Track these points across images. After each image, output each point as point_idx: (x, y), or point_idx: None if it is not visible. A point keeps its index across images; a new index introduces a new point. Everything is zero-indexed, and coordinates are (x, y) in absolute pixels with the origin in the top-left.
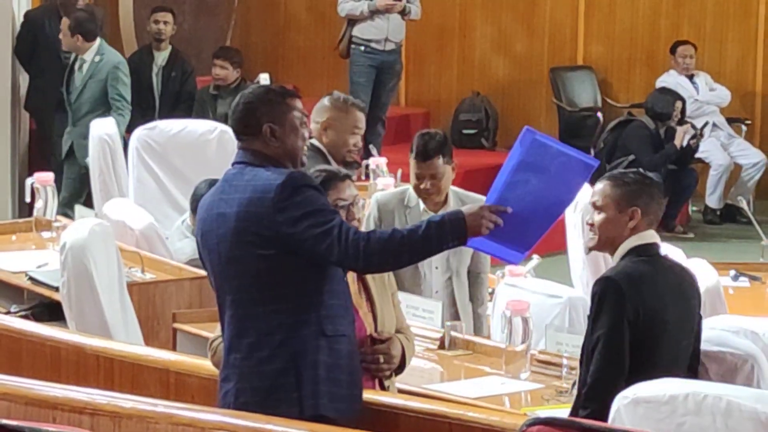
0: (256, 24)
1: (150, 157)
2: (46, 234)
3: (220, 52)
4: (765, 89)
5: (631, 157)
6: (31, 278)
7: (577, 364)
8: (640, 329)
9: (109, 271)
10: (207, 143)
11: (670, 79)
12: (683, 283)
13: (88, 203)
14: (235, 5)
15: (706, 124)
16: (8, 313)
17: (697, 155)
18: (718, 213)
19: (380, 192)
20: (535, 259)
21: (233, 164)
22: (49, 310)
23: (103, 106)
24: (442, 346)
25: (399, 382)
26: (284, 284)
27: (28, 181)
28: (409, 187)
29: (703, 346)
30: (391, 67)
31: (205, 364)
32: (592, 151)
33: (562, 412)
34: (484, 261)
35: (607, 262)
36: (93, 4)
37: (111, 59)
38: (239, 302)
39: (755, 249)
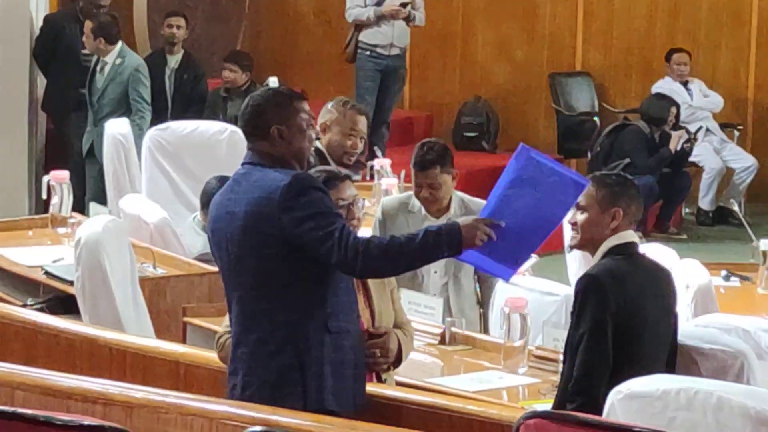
0: (266, 29)
1: (162, 156)
2: (61, 230)
3: (231, 56)
4: (757, 96)
5: (627, 161)
6: (46, 272)
7: None
8: (622, 325)
9: (122, 266)
10: (217, 143)
11: (665, 86)
12: (660, 281)
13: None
14: (245, 11)
15: (699, 129)
16: (25, 306)
17: (691, 159)
18: (711, 215)
19: (387, 197)
20: (533, 258)
21: (242, 164)
22: (64, 304)
23: (124, 106)
24: (442, 342)
25: (402, 376)
26: (289, 282)
27: (45, 178)
28: (413, 193)
29: (695, 343)
30: (395, 71)
31: (213, 357)
32: (589, 154)
33: None
34: None
35: None
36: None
37: (132, 62)
38: (246, 299)
39: (746, 250)
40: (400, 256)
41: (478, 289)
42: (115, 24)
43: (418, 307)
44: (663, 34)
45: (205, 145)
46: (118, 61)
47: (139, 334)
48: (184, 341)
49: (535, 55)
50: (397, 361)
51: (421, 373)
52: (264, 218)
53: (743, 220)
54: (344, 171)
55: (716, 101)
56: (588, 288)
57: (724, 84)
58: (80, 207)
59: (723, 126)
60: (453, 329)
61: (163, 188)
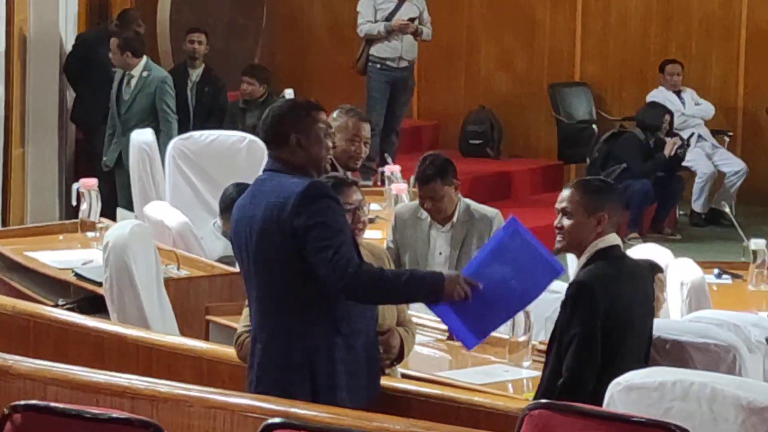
0: (282, 44)
1: (185, 164)
2: (90, 234)
3: (248, 70)
4: (746, 104)
5: (624, 166)
6: (76, 274)
7: None
8: (609, 327)
9: (148, 268)
10: (237, 152)
11: (659, 95)
12: (641, 283)
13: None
14: (262, 27)
15: (692, 135)
16: (56, 306)
17: (684, 164)
18: (703, 217)
19: (401, 204)
20: None
21: (263, 171)
22: (93, 304)
23: (150, 117)
24: (450, 337)
25: (412, 370)
26: (300, 283)
27: (74, 186)
28: None
29: (690, 337)
30: (404, 82)
31: (234, 353)
32: (588, 160)
33: None
34: None
35: None
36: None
37: (158, 74)
38: (262, 298)
39: (737, 249)
40: (384, 290)
41: None
42: (139, 39)
43: None
44: (656, 46)
45: (225, 153)
46: (145, 73)
47: (164, 332)
48: (206, 338)
49: (535, 67)
50: (399, 357)
51: (431, 367)
52: (279, 222)
53: (734, 221)
54: (351, 177)
55: (707, 109)
56: (579, 294)
57: (715, 93)
58: (108, 213)
59: (714, 132)
60: None
61: (185, 194)
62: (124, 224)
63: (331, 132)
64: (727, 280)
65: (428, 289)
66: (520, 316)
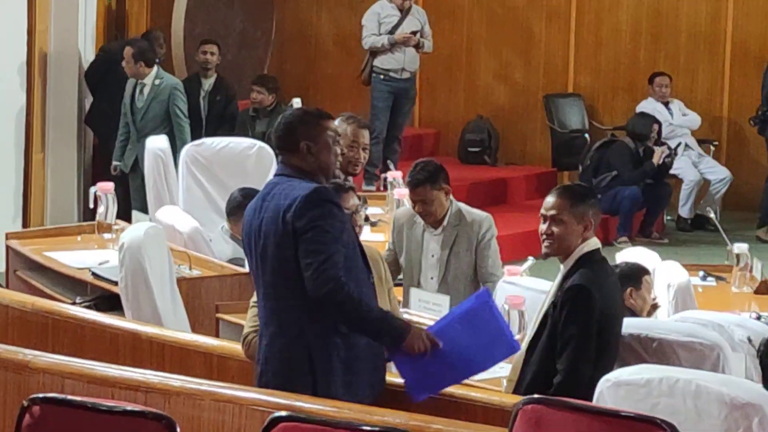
0: (290, 55)
1: (197, 169)
2: (106, 235)
3: (258, 79)
4: (730, 115)
5: (614, 173)
6: (93, 274)
7: None
8: (601, 327)
9: (161, 268)
10: (247, 158)
11: (648, 105)
12: (619, 284)
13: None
14: (271, 38)
15: (679, 144)
16: (74, 303)
17: (672, 171)
18: (690, 222)
19: (399, 209)
20: (530, 260)
21: (275, 175)
22: (109, 302)
23: (164, 122)
24: None
25: None
26: (301, 283)
27: (92, 189)
28: None
29: (675, 336)
30: (406, 92)
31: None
32: (580, 167)
33: None
34: (492, 271)
35: None
36: (149, 30)
37: (170, 82)
38: (268, 295)
39: (722, 253)
40: (353, 317)
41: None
42: (151, 49)
43: (426, 303)
44: (646, 59)
45: (236, 159)
46: (157, 81)
47: (177, 329)
48: (217, 335)
49: (531, 79)
50: None
51: None
52: (283, 223)
53: (719, 226)
54: (348, 183)
55: (694, 119)
56: (579, 297)
57: (701, 104)
58: (123, 215)
59: (700, 142)
60: None
61: (198, 198)
62: (138, 226)
63: (340, 139)
64: (711, 282)
65: (393, 333)
66: (514, 315)
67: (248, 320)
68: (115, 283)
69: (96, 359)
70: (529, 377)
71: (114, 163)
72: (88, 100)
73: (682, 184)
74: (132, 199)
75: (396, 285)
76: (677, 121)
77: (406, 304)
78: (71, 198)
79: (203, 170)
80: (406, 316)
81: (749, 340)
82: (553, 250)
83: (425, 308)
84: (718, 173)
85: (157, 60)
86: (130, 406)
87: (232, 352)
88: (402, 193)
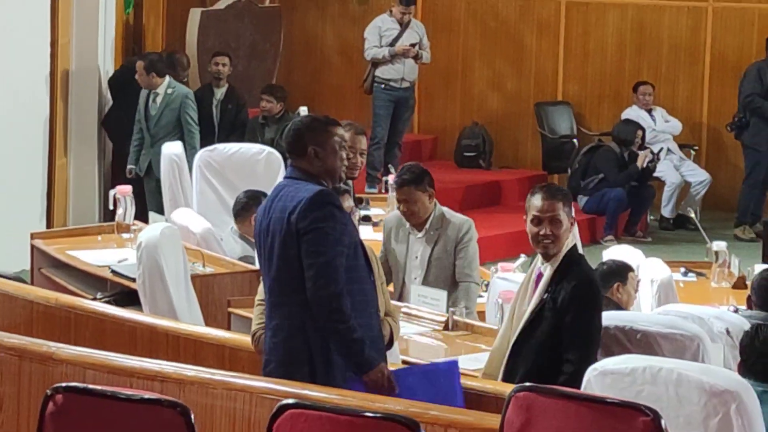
0: (297, 66)
1: (210, 173)
2: (125, 235)
3: (267, 89)
4: (710, 121)
5: (601, 176)
6: (113, 271)
7: None
8: None
9: (177, 266)
10: (256, 162)
11: (633, 113)
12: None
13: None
14: (280, 50)
15: (661, 149)
16: (95, 299)
17: (655, 174)
18: (672, 221)
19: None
20: (522, 257)
21: (284, 178)
22: (128, 297)
23: (176, 129)
24: (446, 328)
25: (412, 357)
26: (301, 280)
27: (111, 192)
28: None
29: (658, 328)
30: (406, 101)
31: None
32: (569, 171)
33: None
34: (468, 272)
35: None
36: (173, 52)
37: (181, 91)
38: (273, 290)
39: (701, 250)
40: (337, 328)
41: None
42: (162, 61)
43: (425, 298)
44: (630, 69)
45: (246, 164)
46: (169, 90)
47: (191, 323)
48: (228, 328)
49: (523, 88)
50: (390, 343)
51: (429, 354)
52: (288, 223)
53: (699, 225)
54: (344, 186)
55: (676, 126)
56: (591, 291)
57: (682, 111)
58: (140, 216)
59: (681, 146)
60: (455, 318)
61: (210, 200)
62: (155, 226)
63: (346, 144)
64: (692, 277)
65: (360, 361)
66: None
67: (255, 318)
68: (133, 280)
69: (115, 351)
70: (523, 369)
71: (129, 166)
72: (108, 106)
73: (664, 186)
74: (147, 201)
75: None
76: (660, 127)
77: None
78: (92, 200)
79: (216, 174)
80: (405, 310)
81: (727, 331)
82: (555, 249)
83: (424, 302)
84: (698, 176)
85: (184, 80)
86: (147, 395)
87: (243, 344)
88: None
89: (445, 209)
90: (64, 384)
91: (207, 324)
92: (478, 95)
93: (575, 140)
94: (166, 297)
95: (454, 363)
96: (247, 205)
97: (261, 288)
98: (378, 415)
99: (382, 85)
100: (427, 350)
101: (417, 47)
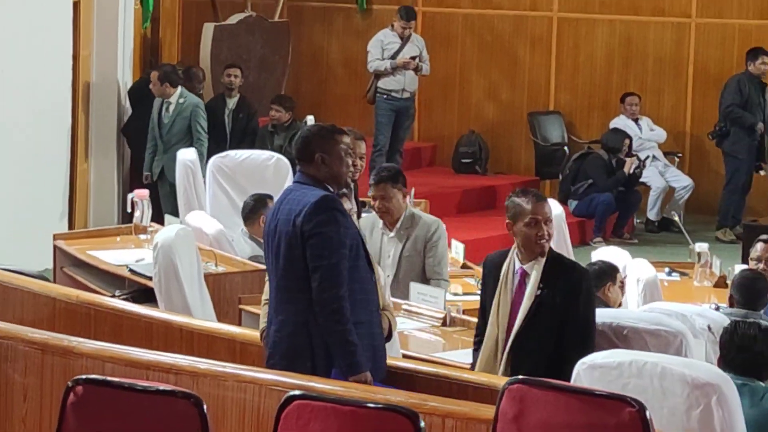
0: (304, 77)
1: (222, 178)
2: (142, 236)
3: (276, 99)
4: (692, 130)
5: (590, 181)
6: (130, 270)
7: None
8: None
9: (191, 265)
10: (266, 168)
11: (620, 122)
12: None
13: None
14: (288, 62)
15: (647, 157)
16: (113, 296)
17: (641, 180)
18: (657, 224)
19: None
20: None
21: (293, 182)
22: (145, 295)
23: (187, 136)
24: (444, 324)
25: (412, 351)
26: (305, 279)
27: (129, 195)
28: None
29: (644, 325)
30: (407, 110)
31: None
32: (560, 176)
33: None
34: (437, 270)
35: None
36: (190, 66)
37: (192, 101)
38: (279, 287)
39: (684, 252)
40: (338, 329)
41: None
42: (175, 72)
43: (424, 296)
44: (618, 80)
45: (256, 169)
46: (181, 100)
47: (204, 319)
48: (239, 324)
49: (517, 98)
50: (388, 336)
51: (427, 349)
52: (294, 226)
53: (682, 228)
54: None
55: (661, 134)
56: (590, 285)
57: (667, 120)
58: (156, 218)
59: (666, 153)
60: (452, 314)
61: (222, 203)
62: (170, 228)
63: (352, 151)
64: (675, 277)
65: (352, 363)
66: None
67: (263, 316)
68: (150, 279)
69: (132, 345)
70: (530, 364)
71: (145, 173)
72: (127, 114)
73: (650, 191)
74: (162, 204)
75: None
76: (646, 135)
77: None
78: (111, 203)
79: (228, 179)
80: (405, 307)
81: (709, 328)
82: (550, 245)
83: (423, 299)
84: (681, 181)
85: (199, 92)
86: (162, 386)
87: (253, 339)
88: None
89: (415, 210)
90: (84, 376)
91: (219, 320)
92: (474, 105)
93: (566, 148)
94: (181, 294)
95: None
96: (254, 208)
97: (267, 287)
98: (380, 406)
99: (384, 96)
100: (426, 345)
101: (417, 60)
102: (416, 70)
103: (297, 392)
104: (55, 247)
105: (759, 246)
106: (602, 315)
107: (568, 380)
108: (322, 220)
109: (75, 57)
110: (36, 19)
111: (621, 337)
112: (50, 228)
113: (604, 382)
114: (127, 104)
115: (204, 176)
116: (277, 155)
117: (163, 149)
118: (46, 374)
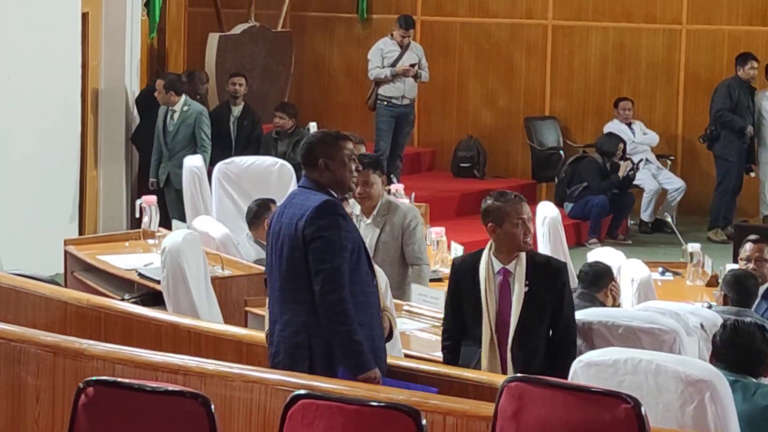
0: (307, 85)
1: (228, 184)
2: (150, 241)
3: (280, 106)
4: (684, 133)
5: (585, 184)
6: (139, 274)
7: None
8: None
9: (198, 269)
10: (270, 174)
11: (614, 126)
12: None
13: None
14: (291, 71)
15: (641, 160)
16: (122, 299)
17: (634, 182)
18: (650, 225)
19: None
20: None
21: (298, 187)
22: (153, 298)
23: (191, 143)
24: None
25: (414, 351)
26: (306, 281)
27: (138, 201)
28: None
29: (638, 323)
30: (406, 117)
31: None
32: (556, 180)
33: None
34: (418, 255)
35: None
36: (194, 70)
37: (196, 108)
38: (283, 289)
39: (677, 252)
40: (342, 330)
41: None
42: (179, 80)
43: (425, 297)
44: (612, 86)
45: (261, 175)
46: (185, 108)
47: (211, 321)
48: (245, 326)
49: (513, 103)
50: (389, 336)
51: (429, 348)
52: (296, 229)
53: (675, 229)
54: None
55: (653, 138)
56: (567, 274)
57: (659, 124)
58: (164, 223)
59: (659, 156)
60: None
61: (228, 208)
62: (178, 233)
63: (355, 157)
64: (669, 277)
65: (359, 361)
66: None
67: (267, 320)
68: (158, 282)
69: (142, 347)
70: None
71: (151, 179)
72: (135, 123)
73: (643, 193)
74: (168, 210)
75: None
76: (639, 139)
77: None
78: (120, 209)
79: (233, 185)
80: (406, 308)
81: (701, 326)
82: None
83: (424, 301)
84: (674, 183)
85: (198, 96)
86: (171, 387)
87: (258, 340)
88: (403, 202)
89: (391, 198)
90: (94, 378)
91: (226, 322)
92: (472, 111)
93: (561, 152)
94: (189, 297)
95: (435, 390)
96: (258, 213)
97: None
98: (382, 404)
99: (385, 102)
100: (427, 345)
101: (416, 67)
102: (415, 77)
103: (302, 392)
104: (65, 252)
105: (748, 246)
106: (598, 314)
107: (566, 364)
108: (324, 224)
109: (84, 66)
110: (46, 29)
111: (616, 335)
112: (61, 234)
113: (600, 379)
114: (135, 112)
115: (210, 182)
116: (281, 161)
117: (168, 156)
118: (58, 376)
